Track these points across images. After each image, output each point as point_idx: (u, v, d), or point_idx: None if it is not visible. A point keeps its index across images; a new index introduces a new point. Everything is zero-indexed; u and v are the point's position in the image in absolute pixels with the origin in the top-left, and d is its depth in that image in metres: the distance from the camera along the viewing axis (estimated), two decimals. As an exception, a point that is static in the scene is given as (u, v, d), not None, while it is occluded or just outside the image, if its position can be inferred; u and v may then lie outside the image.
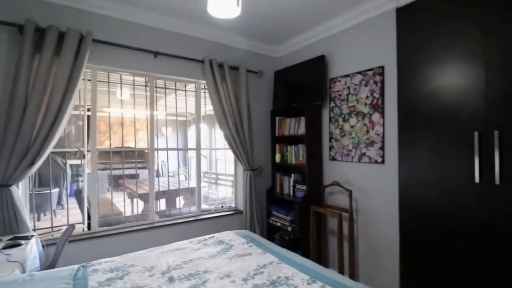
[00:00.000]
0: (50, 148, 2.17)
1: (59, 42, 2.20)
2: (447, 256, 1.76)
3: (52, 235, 2.38)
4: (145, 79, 2.97)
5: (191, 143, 3.51)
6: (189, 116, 5.84)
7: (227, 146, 3.29)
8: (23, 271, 1.65)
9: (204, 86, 3.24)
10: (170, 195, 3.63)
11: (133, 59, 2.67)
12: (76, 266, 1.59)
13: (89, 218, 2.62)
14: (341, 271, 2.54)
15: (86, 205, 2.66)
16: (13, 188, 2.04)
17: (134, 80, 2.95)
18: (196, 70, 3.06)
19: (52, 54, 2.16)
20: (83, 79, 2.42)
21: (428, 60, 1.89)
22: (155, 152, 3.04)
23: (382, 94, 2.52)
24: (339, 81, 2.92)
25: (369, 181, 2.63)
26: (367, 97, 2.66)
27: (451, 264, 1.74)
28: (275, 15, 2.79)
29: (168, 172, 4.39)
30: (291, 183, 3.20)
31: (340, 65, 2.94)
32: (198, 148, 3.28)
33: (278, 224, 3.21)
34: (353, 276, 2.56)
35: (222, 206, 3.50)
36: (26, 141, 2.06)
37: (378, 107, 2.55)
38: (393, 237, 2.37)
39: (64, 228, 2.40)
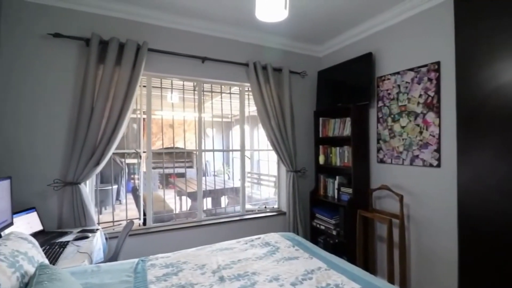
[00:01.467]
0: (112, 149, 2.39)
1: (119, 52, 2.41)
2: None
3: (113, 229, 2.61)
4: (194, 83, 3.12)
5: (233, 144, 3.60)
6: (231, 118, 6.00)
7: (270, 147, 3.31)
8: (91, 262, 1.84)
9: (248, 89, 3.30)
10: (215, 195, 3.77)
11: (183, 65, 2.82)
12: (136, 260, 1.73)
13: (143, 214, 2.83)
14: (391, 280, 2.41)
15: (142, 202, 2.87)
16: (82, 186, 2.28)
17: (183, 85, 3.11)
18: (240, 73, 3.13)
19: (113, 64, 2.37)
20: (139, 86, 2.61)
21: (493, 54, 1.71)
22: (203, 153, 3.17)
23: (437, 92, 2.34)
24: (388, 79, 2.78)
25: (422, 185, 2.46)
26: (420, 95, 2.49)
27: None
28: (319, 15, 2.74)
29: (214, 172, 4.55)
30: (336, 186, 3.12)
31: (389, 62, 2.79)
32: (242, 149, 3.35)
33: (322, 227, 3.16)
34: (404, 286, 2.42)
35: (265, 207, 3.54)
36: (92, 144, 2.30)
37: (433, 106, 2.38)
38: (450, 246, 2.20)
39: (123, 223, 2.64)
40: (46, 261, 1.42)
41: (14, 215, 1.92)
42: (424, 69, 2.45)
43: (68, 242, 1.95)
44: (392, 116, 2.74)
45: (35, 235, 2.01)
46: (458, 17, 1.93)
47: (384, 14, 2.72)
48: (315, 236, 3.34)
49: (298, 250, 1.85)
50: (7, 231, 1.77)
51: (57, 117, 2.31)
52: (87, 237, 2.05)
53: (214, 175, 4.18)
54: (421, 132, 2.48)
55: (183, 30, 2.82)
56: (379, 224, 2.87)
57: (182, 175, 6.01)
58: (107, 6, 2.45)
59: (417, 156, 2.50)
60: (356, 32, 3.09)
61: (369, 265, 2.78)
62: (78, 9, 2.38)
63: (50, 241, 1.96)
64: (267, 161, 3.92)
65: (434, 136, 2.37)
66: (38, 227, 2.14)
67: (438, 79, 2.34)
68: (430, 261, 2.38)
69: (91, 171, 2.29)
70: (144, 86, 2.80)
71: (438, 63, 2.34)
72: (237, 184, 3.40)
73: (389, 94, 2.77)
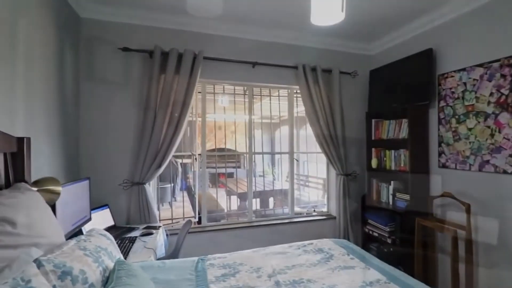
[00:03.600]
0: (172, 153, 2.57)
1: (178, 62, 2.58)
2: None
3: (172, 226, 2.82)
4: (244, 87, 3.21)
5: (279, 145, 3.60)
6: (277, 119, 6.01)
7: (319, 150, 3.26)
8: (155, 257, 2.01)
9: (297, 91, 3.28)
10: (264, 196, 3.83)
11: (235, 71, 2.92)
12: (195, 259, 1.84)
13: (198, 213, 3.00)
14: (455, 296, 2.23)
15: (197, 202, 3.05)
16: (146, 186, 2.50)
17: (234, 89, 3.22)
18: (289, 76, 3.13)
19: (173, 73, 2.55)
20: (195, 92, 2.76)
21: None
22: (253, 155, 3.23)
23: (513, 90, 2.09)
24: (452, 76, 2.55)
25: (494, 194, 2.22)
26: (491, 94, 2.24)
27: None
28: (372, 10, 2.60)
29: (263, 173, 4.63)
30: (390, 191, 2.96)
31: (452, 58, 2.55)
32: (291, 152, 3.35)
33: (375, 234, 3.02)
34: (472, 304, 2.22)
35: (314, 210, 3.50)
36: (155, 147, 2.50)
37: (508, 105, 2.13)
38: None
39: (180, 220, 2.82)
40: (122, 257, 1.58)
41: (91, 211, 2.18)
42: (495, 65, 2.21)
43: (136, 237, 2.15)
44: (457, 117, 2.51)
45: (108, 229, 2.24)
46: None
47: (445, 6, 2.50)
48: (366, 243, 3.21)
49: (353, 259, 1.80)
50: (86, 226, 2.02)
51: (126, 124, 2.56)
52: (151, 233, 2.24)
53: (264, 177, 4.23)
54: (492, 135, 2.24)
55: (235, 37, 2.91)
56: (440, 234, 2.66)
57: (230, 175, 6.22)
58: (167, 19, 2.63)
59: (487, 162, 2.27)
60: (412, 28, 2.89)
61: (428, 279, 2.59)
62: (142, 23, 2.60)
63: (121, 235, 2.18)
64: (315, 163, 3.85)
65: (509, 140, 2.13)
66: (110, 222, 2.40)
67: (514, 75, 2.09)
68: (504, 281, 2.14)
69: (154, 172, 2.50)
70: (199, 92, 2.95)
71: (514, 57, 2.09)
72: (284, 185, 3.40)
73: (453, 93, 2.55)
